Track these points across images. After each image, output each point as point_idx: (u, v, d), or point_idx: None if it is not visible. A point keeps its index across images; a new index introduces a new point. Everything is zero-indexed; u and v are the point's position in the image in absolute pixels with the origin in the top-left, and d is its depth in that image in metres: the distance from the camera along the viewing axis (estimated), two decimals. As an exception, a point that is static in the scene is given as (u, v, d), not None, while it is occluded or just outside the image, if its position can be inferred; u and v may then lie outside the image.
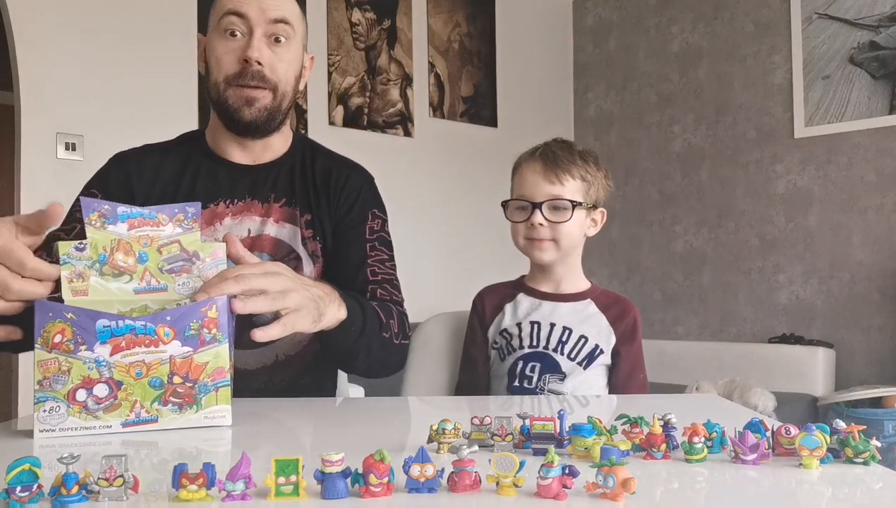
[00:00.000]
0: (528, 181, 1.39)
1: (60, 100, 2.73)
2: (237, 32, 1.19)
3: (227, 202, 1.26)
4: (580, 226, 1.39)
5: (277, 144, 1.31)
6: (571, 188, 1.37)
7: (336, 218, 1.29)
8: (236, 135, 1.26)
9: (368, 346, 1.10)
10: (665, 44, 4.25)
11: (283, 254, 1.26)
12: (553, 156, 1.38)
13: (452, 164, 3.94)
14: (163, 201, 1.24)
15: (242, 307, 0.87)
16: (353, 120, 3.54)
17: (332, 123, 3.46)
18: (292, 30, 1.22)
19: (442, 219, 3.88)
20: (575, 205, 1.36)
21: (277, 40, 1.21)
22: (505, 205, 1.43)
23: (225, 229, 1.24)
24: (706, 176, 4.07)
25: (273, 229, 1.27)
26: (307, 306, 0.94)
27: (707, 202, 4.06)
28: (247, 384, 1.18)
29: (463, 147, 3.99)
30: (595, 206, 1.41)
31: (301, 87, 1.31)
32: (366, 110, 3.59)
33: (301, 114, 3.34)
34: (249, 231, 1.26)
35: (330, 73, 3.48)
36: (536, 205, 1.36)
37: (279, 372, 1.23)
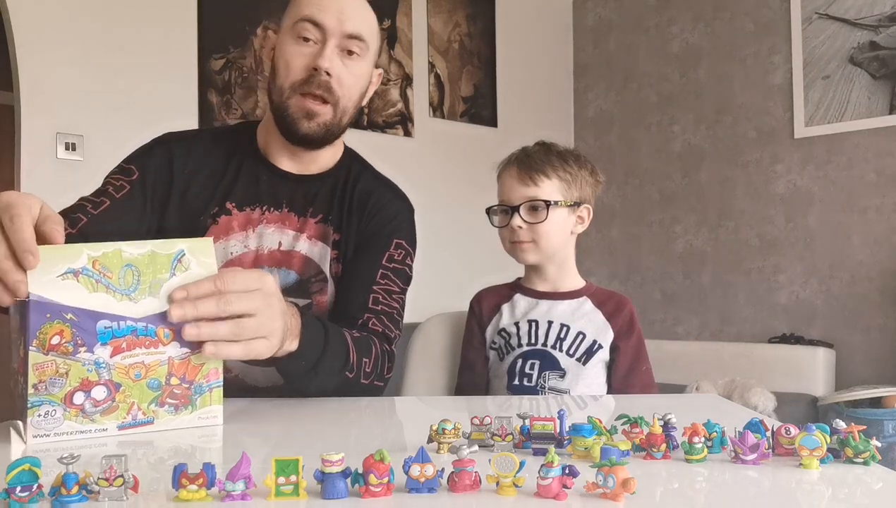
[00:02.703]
0: (506, 185, 1.43)
1: (60, 101, 2.73)
2: (310, 39, 1.16)
3: (264, 209, 1.23)
4: (562, 225, 1.41)
5: (326, 157, 1.28)
6: (548, 188, 1.39)
7: (360, 239, 1.25)
8: (289, 143, 1.23)
9: (321, 384, 1.04)
10: (665, 44, 4.24)
11: (311, 273, 1.22)
12: (528, 159, 1.41)
13: (452, 164, 3.94)
14: (201, 195, 1.22)
15: (215, 352, 0.82)
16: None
17: (332, 123, 3.46)
18: (366, 46, 1.19)
19: (442, 219, 3.88)
20: (550, 204, 1.37)
21: (350, 53, 1.18)
22: (489, 211, 1.46)
23: (256, 238, 1.22)
24: (706, 176, 4.07)
25: (305, 246, 1.23)
26: (274, 335, 0.87)
27: (707, 202, 4.06)
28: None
29: (463, 147, 3.99)
30: (579, 204, 1.42)
31: (364, 102, 1.28)
32: (366, 110, 3.59)
33: (301, 115, 3.34)
34: (280, 244, 1.22)
35: (330, 73, 3.48)
36: (514, 209, 1.39)
37: (289, 392, 1.21)
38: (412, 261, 1.29)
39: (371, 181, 1.31)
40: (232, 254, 1.21)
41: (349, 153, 1.34)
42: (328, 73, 1.16)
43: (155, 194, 1.21)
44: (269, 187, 1.24)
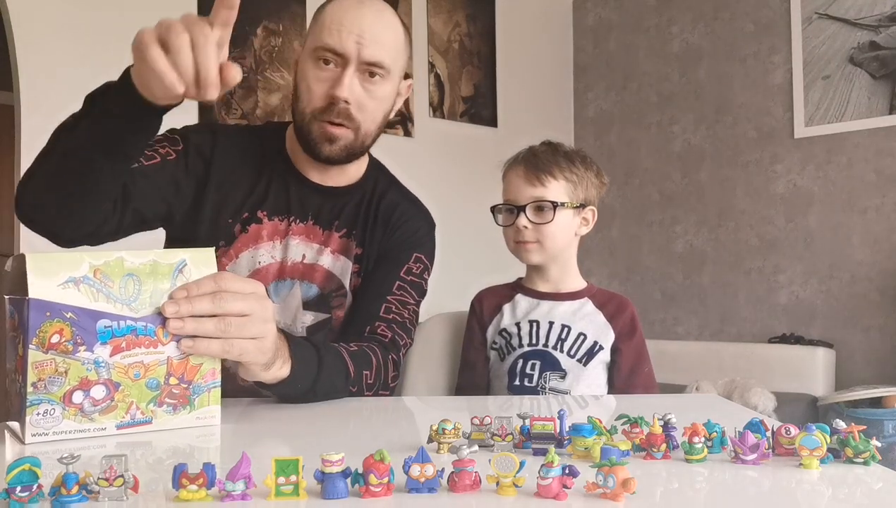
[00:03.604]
0: (512, 185, 1.42)
1: (60, 101, 2.72)
2: (330, 62, 1.15)
3: (291, 219, 1.23)
4: (567, 227, 1.40)
5: (353, 170, 1.28)
6: (555, 189, 1.38)
7: (380, 252, 1.25)
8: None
9: (325, 398, 1.03)
10: (665, 44, 4.24)
11: (332, 288, 1.22)
12: (535, 158, 1.40)
13: (452, 164, 3.94)
14: (233, 194, 1.21)
15: (191, 346, 0.82)
16: (353, 120, 3.54)
17: (332, 123, 3.46)
18: (387, 71, 1.17)
19: (442, 219, 3.86)
20: (557, 205, 1.37)
21: (372, 75, 1.16)
22: (494, 210, 1.45)
23: (283, 249, 1.21)
24: (706, 176, 4.07)
25: (328, 260, 1.23)
26: (267, 338, 0.87)
27: (707, 202, 4.06)
28: None
29: (463, 147, 3.99)
30: (584, 205, 1.42)
31: (392, 116, 1.27)
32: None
33: (301, 114, 3.34)
34: (304, 256, 1.22)
35: (330, 73, 3.48)
36: (520, 208, 1.39)
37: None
38: (429, 276, 1.30)
39: (396, 195, 1.31)
40: (260, 263, 1.21)
41: (374, 164, 1.35)
42: (347, 102, 1.15)
43: (195, 172, 1.21)
44: (297, 198, 1.24)
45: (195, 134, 1.23)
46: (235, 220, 1.21)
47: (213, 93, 0.83)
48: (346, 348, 1.07)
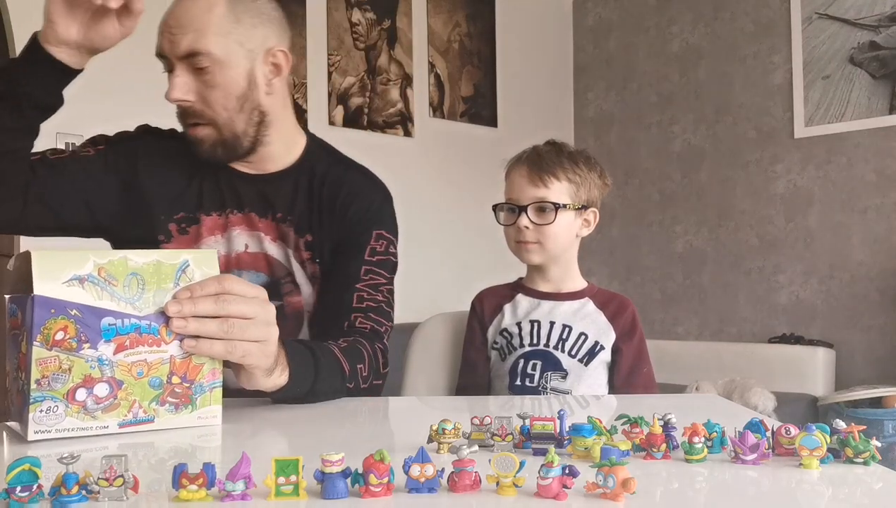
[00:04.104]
0: (515, 184, 1.42)
1: (60, 100, 2.73)
2: (166, 67, 1.14)
3: (228, 212, 1.21)
4: (568, 228, 1.40)
5: (278, 153, 1.23)
6: (557, 190, 1.38)
7: (338, 236, 1.21)
8: None
9: (325, 398, 1.03)
10: (665, 44, 4.24)
11: (280, 275, 1.21)
12: (538, 159, 1.40)
13: (452, 164, 3.94)
14: (163, 197, 1.20)
15: (193, 346, 0.82)
16: (353, 120, 3.54)
17: (332, 123, 3.46)
18: (210, 58, 1.10)
19: (442, 219, 3.88)
20: (559, 207, 1.37)
21: (199, 66, 1.11)
22: (495, 208, 1.45)
23: (226, 242, 1.21)
24: (706, 176, 4.07)
25: (271, 248, 1.21)
26: (270, 342, 0.88)
27: (707, 202, 4.06)
28: None
29: (463, 147, 3.99)
30: (586, 207, 1.42)
31: (273, 92, 1.19)
32: (366, 110, 3.59)
33: (301, 114, 3.34)
34: (247, 246, 1.21)
35: (330, 73, 3.48)
36: (522, 208, 1.38)
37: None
38: (396, 248, 1.25)
39: (340, 172, 1.25)
40: None
41: (314, 147, 1.29)
42: (185, 100, 1.12)
43: (118, 170, 1.21)
44: (230, 190, 1.22)
45: (122, 137, 1.25)
46: (168, 219, 1.20)
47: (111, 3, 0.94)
48: (336, 346, 1.07)
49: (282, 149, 1.24)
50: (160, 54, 1.14)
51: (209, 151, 1.17)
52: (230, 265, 1.21)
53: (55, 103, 1.11)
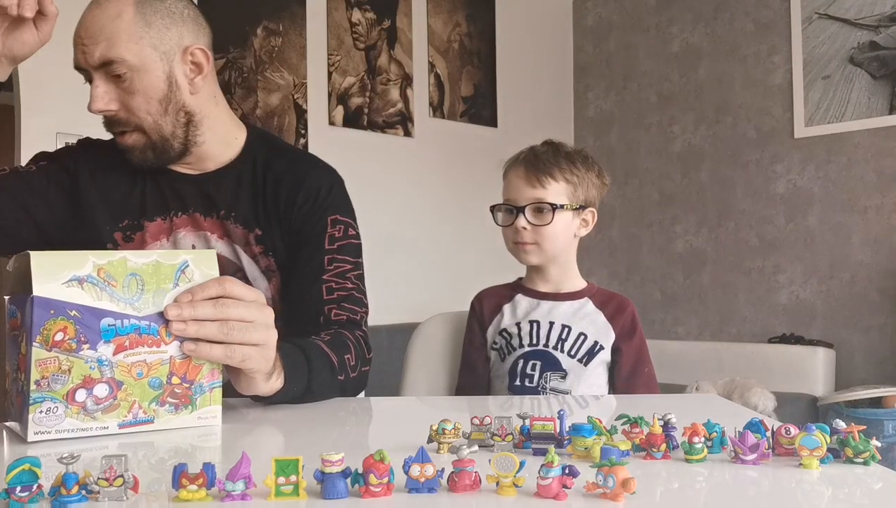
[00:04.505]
0: (512, 185, 1.42)
1: (60, 101, 2.72)
2: (86, 78, 1.13)
3: (172, 214, 1.20)
4: (566, 228, 1.40)
5: (216, 151, 1.21)
6: (554, 191, 1.38)
7: (291, 229, 1.19)
8: None
9: (320, 395, 1.03)
10: (665, 44, 4.24)
11: (229, 272, 1.18)
12: (535, 159, 1.40)
13: (452, 164, 3.94)
14: (105, 206, 1.20)
15: (193, 349, 0.82)
16: (353, 120, 3.54)
17: (332, 123, 3.46)
18: (125, 65, 1.09)
19: (442, 219, 3.88)
20: (556, 207, 1.37)
21: (115, 74, 1.10)
22: (493, 209, 1.45)
23: (171, 245, 1.20)
24: (706, 176, 4.07)
25: (219, 246, 1.20)
26: (269, 347, 0.88)
27: (707, 202, 4.06)
28: None
29: (463, 147, 3.99)
30: (584, 207, 1.42)
31: (197, 91, 1.16)
32: (366, 110, 3.59)
33: (301, 115, 3.34)
34: (194, 247, 1.20)
35: (330, 73, 3.48)
36: (519, 209, 1.38)
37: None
38: (356, 230, 1.23)
39: (282, 161, 1.23)
40: None
41: (254, 139, 1.26)
42: (109, 109, 1.11)
43: (61, 184, 1.20)
44: (172, 192, 1.21)
45: (63, 153, 1.25)
46: (113, 229, 1.20)
47: (27, 13, 0.95)
48: (322, 340, 1.07)
49: (219, 147, 1.22)
50: (78, 67, 1.13)
51: (140, 157, 1.16)
52: None
53: None
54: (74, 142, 1.30)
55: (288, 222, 1.20)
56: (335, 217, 1.21)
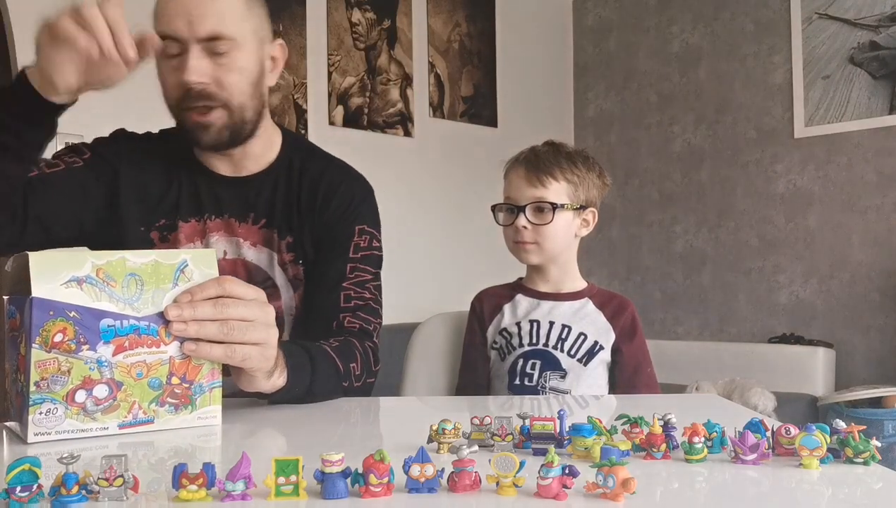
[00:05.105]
0: (513, 184, 1.42)
1: (60, 101, 2.72)
2: (174, 53, 1.09)
3: (206, 218, 1.19)
4: (566, 228, 1.40)
5: (259, 151, 1.22)
6: (555, 190, 1.38)
7: (320, 234, 1.20)
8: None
9: (322, 399, 1.03)
10: (665, 44, 4.24)
11: (259, 280, 1.18)
12: (536, 159, 1.40)
13: (452, 164, 3.94)
14: (143, 205, 1.18)
15: (194, 350, 0.82)
16: (352, 120, 3.54)
17: (332, 123, 3.46)
18: (232, 41, 1.10)
19: (442, 219, 3.88)
20: (557, 207, 1.37)
21: (217, 49, 1.09)
22: (494, 209, 1.45)
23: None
24: (706, 176, 4.07)
25: (250, 253, 1.19)
26: (269, 346, 0.87)
27: (707, 202, 4.06)
28: None
29: (463, 147, 3.99)
30: (585, 207, 1.42)
31: (272, 83, 1.20)
32: (366, 110, 3.59)
33: (301, 114, 3.34)
34: (226, 253, 1.19)
35: (330, 73, 3.48)
36: (520, 209, 1.39)
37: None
38: (380, 242, 1.24)
39: (319, 166, 1.24)
40: None
41: (290, 142, 1.27)
42: (201, 82, 1.10)
43: (105, 180, 1.18)
44: (209, 195, 1.20)
45: (101, 144, 1.22)
46: (149, 228, 1.19)
47: (130, 54, 0.93)
48: (329, 345, 1.07)
49: (263, 147, 1.22)
50: (169, 36, 1.09)
51: (216, 136, 1.13)
52: None
53: (52, 134, 1.07)
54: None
55: (317, 228, 1.20)
56: (363, 226, 1.22)
